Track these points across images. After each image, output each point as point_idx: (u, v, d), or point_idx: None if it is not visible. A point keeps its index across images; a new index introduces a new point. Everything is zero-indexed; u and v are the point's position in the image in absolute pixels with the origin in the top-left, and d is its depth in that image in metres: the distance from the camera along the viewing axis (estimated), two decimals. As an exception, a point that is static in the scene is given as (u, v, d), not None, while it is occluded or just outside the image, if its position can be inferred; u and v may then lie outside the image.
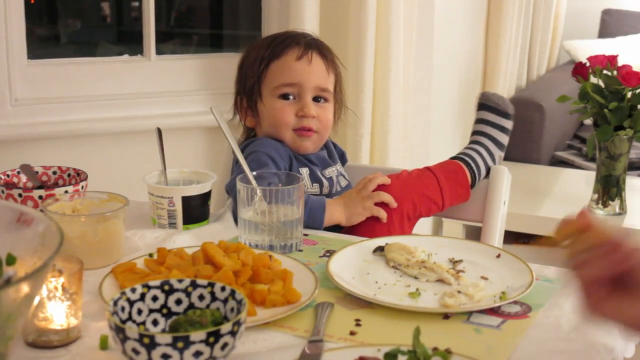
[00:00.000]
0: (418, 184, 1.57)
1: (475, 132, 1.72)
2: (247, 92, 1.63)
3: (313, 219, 1.45)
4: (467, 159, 1.64)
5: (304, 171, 1.58)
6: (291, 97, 1.59)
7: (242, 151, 1.57)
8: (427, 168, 1.61)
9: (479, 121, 1.72)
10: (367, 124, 2.35)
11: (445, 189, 1.58)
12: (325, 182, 1.60)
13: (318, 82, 1.60)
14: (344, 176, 1.67)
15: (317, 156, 1.63)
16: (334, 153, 1.69)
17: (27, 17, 2.09)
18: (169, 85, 2.32)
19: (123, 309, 0.95)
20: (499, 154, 1.69)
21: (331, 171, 1.63)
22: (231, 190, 1.49)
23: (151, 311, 0.98)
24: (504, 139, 1.70)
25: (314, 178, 1.59)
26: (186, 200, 1.40)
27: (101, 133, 2.19)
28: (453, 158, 1.66)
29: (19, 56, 2.08)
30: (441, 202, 1.59)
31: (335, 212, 1.50)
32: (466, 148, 1.69)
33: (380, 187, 1.53)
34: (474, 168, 1.63)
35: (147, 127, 2.12)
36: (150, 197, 1.42)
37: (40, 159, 1.79)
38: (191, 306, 0.99)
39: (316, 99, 1.60)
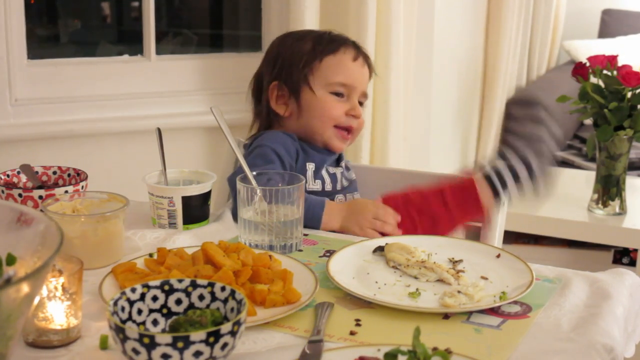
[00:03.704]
0: (424, 211, 1.55)
1: (509, 143, 1.64)
2: (292, 80, 1.64)
3: (312, 215, 1.45)
4: (490, 172, 1.54)
5: (310, 167, 1.59)
6: (341, 95, 1.63)
7: (251, 144, 1.61)
8: (440, 190, 1.56)
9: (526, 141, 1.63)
10: (367, 124, 2.35)
11: (455, 219, 1.56)
12: (328, 179, 1.61)
13: (364, 87, 1.66)
14: (345, 177, 1.67)
15: (332, 154, 1.65)
16: (343, 153, 1.72)
17: (27, 17, 2.09)
18: (169, 85, 2.33)
19: (123, 309, 0.95)
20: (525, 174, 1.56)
21: (337, 169, 1.65)
22: (232, 184, 1.50)
23: (151, 311, 0.98)
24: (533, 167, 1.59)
25: (317, 175, 1.59)
26: (186, 200, 1.40)
27: (101, 133, 2.20)
28: (479, 169, 1.58)
29: (19, 56, 2.09)
30: (450, 227, 1.57)
31: (333, 216, 1.48)
32: (497, 156, 1.59)
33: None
34: (496, 182, 1.54)
35: (147, 127, 2.13)
36: (150, 197, 1.42)
37: (40, 159, 1.80)
38: (191, 306, 0.99)
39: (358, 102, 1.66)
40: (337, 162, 1.69)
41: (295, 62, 1.64)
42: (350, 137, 1.66)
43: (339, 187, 1.63)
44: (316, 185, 1.59)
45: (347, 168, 1.70)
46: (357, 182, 1.71)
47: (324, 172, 1.62)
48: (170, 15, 3.52)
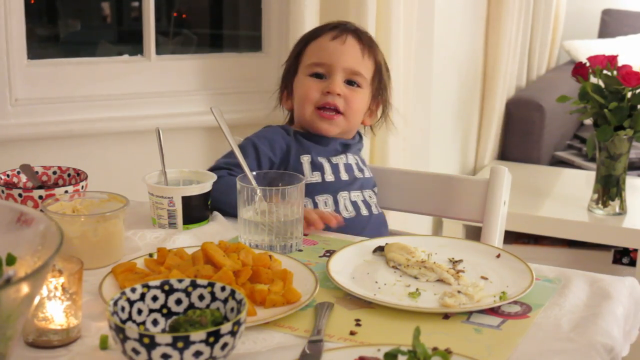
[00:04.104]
0: None
1: None
2: (288, 76, 1.70)
3: None
4: None
5: (305, 159, 1.59)
6: (323, 77, 1.63)
7: None
8: None
9: None
10: (367, 124, 2.35)
11: None
12: (329, 169, 1.60)
13: (349, 64, 1.62)
14: (361, 168, 1.66)
15: (330, 141, 1.64)
16: (355, 145, 1.70)
17: (27, 17, 2.09)
18: (169, 85, 2.32)
19: (123, 309, 0.95)
20: None
21: (340, 158, 1.64)
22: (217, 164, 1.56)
23: (151, 311, 0.98)
24: None
25: (315, 166, 1.59)
26: (186, 200, 1.40)
27: (101, 133, 2.19)
28: None
29: (19, 56, 2.09)
30: None
31: None
32: None
33: None
34: None
35: (147, 127, 2.13)
36: (150, 197, 1.42)
37: (40, 159, 1.79)
38: (191, 306, 0.99)
39: (350, 83, 1.63)
40: (345, 152, 1.66)
41: (289, 60, 1.71)
42: (340, 118, 1.62)
43: (344, 177, 1.61)
44: (315, 177, 1.58)
45: (363, 162, 1.69)
46: None
47: (323, 162, 1.60)
48: (170, 15, 3.52)
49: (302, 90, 1.64)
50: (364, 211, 1.61)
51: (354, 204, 1.60)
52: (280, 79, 1.75)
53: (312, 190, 1.56)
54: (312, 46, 1.66)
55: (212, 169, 1.55)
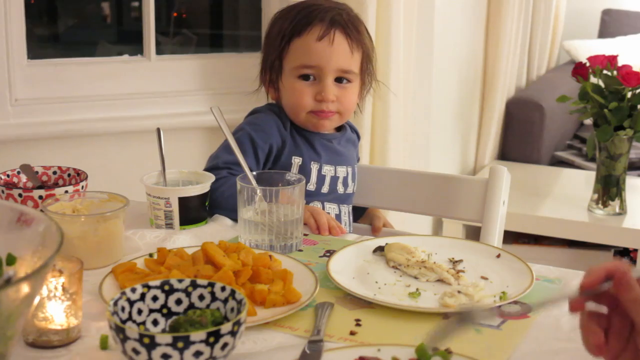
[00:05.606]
0: None
1: None
2: (269, 67, 1.60)
3: None
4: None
5: (296, 161, 1.56)
6: (311, 77, 1.55)
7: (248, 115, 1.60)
8: None
9: None
10: (367, 124, 2.35)
11: None
12: (314, 178, 1.57)
13: (339, 65, 1.55)
14: (347, 183, 1.62)
15: (327, 147, 1.59)
16: (353, 154, 1.66)
17: (27, 17, 2.09)
18: (169, 85, 2.33)
19: (123, 309, 0.95)
20: None
21: (329, 170, 1.59)
22: (212, 159, 1.53)
23: (151, 311, 0.98)
24: None
25: (302, 171, 1.55)
26: (183, 201, 1.39)
27: (101, 133, 2.20)
28: None
29: (19, 56, 2.09)
30: None
31: None
32: None
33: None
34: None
35: (147, 127, 2.13)
36: (148, 198, 1.42)
37: (40, 159, 1.79)
38: (191, 306, 0.99)
39: (338, 80, 1.56)
40: (345, 158, 1.63)
41: (270, 49, 1.60)
42: (335, 115, 1.57)
43: (324, 190, 1.58)
44: None
45: (353, 176, 1.64)
46: (357, 184, 1.68)
47: (312, 170, 1.57)
48: (170, 15, 3.52)
49: (294, 95, 1.56)
50: None
51: None
52: (260, 64, 1.64)
53: None
54: (297, 45, 1.55)
55: (210, 169, 1.52)
